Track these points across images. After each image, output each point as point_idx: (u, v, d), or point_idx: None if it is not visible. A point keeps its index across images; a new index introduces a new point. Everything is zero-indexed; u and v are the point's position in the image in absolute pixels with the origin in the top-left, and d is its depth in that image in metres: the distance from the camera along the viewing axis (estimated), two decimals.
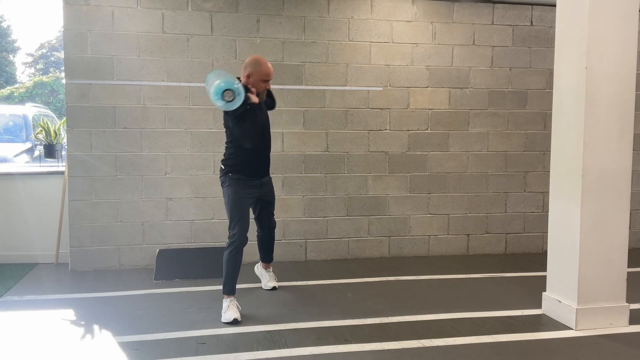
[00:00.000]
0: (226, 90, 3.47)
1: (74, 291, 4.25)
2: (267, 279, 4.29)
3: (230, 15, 4.93)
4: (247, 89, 3.59)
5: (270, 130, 3.97)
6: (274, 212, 4.16)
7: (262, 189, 3.91)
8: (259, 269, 4.37)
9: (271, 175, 4.10)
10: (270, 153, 3.98)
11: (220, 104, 3.50)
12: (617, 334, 3.40)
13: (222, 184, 3.82)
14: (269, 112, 3.96)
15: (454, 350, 3.16)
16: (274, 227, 4.20)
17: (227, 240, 3.69)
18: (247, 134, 3.63)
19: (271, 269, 4.34)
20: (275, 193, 4.20)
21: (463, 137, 5.39)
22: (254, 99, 3.60)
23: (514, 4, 5.38)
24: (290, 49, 5.04)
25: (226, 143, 3.83)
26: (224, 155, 3.84)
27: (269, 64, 3.75)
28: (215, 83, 3.51)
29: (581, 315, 3.45)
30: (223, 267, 3.69)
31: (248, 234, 3.74)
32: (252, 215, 4.01)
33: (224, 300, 3.65)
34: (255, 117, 3.63)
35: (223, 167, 3.81)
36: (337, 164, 5.18)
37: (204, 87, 4.86)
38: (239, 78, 3.66)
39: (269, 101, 3.99)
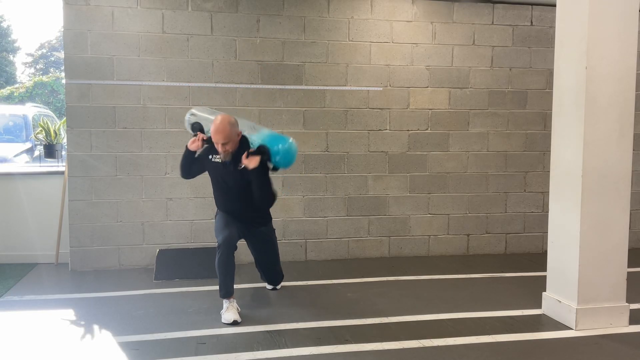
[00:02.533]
0: (191, 123, 3.96)
1: (74, 291, 4.25)
2: None
3: (230, 15, 4.93)
4: (197, 130, 3.86)
5: (246, 192, 3.72)
6: (278, 267, 4.11)
7: (249, 233, 3.91)
8: None
9: (271, 175, 4.07)
10: (253, 206, 3.78)
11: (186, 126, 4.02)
12: (617, 334, 3.40)
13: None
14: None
15: (454, 350, 3.16)
16: (277, 281, 4.18)
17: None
18: (189, 172, 3.92)
19: None
20: (276, 193, 4.08)
21: (463, 137, 5.39)
22: (190, 145, 3.77)
23: (514, 4, 5.38)
24: (290, 49, 5.04)
25: None
26: None
27: (220, 128, 3.53)
28: (193, 112, 3.99)
29: (581, 315, 3.45)
30: (216, 273, 3.71)
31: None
32: None
33: (223, 301, 3.65)
34: (211, 169, 3.82)
35: None
36: (337, 164, 5.18)
37: (205, 87, 4.89)
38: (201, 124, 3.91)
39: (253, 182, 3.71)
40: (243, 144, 3.71)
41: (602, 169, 3.42)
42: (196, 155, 3.83)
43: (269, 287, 4.26)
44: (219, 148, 3.62)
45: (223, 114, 3.72)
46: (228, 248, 3.63)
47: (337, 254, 5.25)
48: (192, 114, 4.00)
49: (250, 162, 3.59)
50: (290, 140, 3.76)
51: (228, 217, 3.83)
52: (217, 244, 3.71)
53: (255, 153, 3.65)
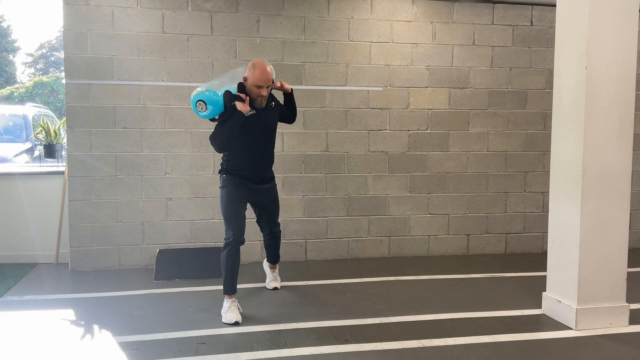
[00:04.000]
0: (198, 100, 3.57)
1: (74, 291, 4.25)
2: (270, 279, 4.30)
3: (230, 15, 4.93)
4: (234, 98, 3.58)
5: (273, 139, 3.86)
6: (278, 219, 4.09)
7: (260, 194, 3.85)
8: (265, 265, 4.38)
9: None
10: (273, 159, 3.91)
11: (199, 114, 3.62)
12: (617, 334, 3.40)
13: (219, 184, 3.83)
14: (285, 125, 3.95)
15: (454, 350, 3.16)
16: (278, 233, 4.15)
17: (223, 241, 3.69)
18: (216, 139, 3.62)
19: (276, 270, 4.34)
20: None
21: (463, 137, 5.39)
22: (241, 107, 3.55)
23: (514, 4, 5.38)
24: (290, 49, 5.04)
25: None
26: (222, 155, 3.84)
27: (267, 70, 3.61)
28: (194, 93, 3.63)
29: (581, 315, 3.45)
30: (221, 269, 3.69)
31: (249, 234, 3.74)
32: (251, 215, 4.01)
33: (225, 300, 3.65)
34: (246, 125, 3.61)
35: (220, 167, 3.83)
36: (337, 164, 5.19)
37: None
38: (240, 84, 3.67)
39: (285, 110, 3.95)
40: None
41: (602, 169, 3.42)
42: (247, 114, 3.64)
43: (271, 287, 4.26)
44: (263, 93, 3.63)
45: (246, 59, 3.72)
46: (237, 244, 3.63)
47: (337, 254, 5.25)
48: (201, 100, 3.64)
49: (285, 85, 3.81)
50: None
51: (241, 190, 3.72)
52: (226, 236, 3.64)
53: (235, 98, 3.64)
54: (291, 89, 3.95)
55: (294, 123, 4.16)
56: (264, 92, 3.63)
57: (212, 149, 4.90)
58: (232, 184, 3.73)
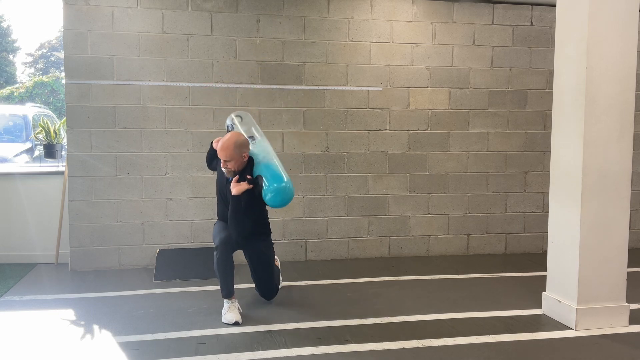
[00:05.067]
0: (227, 125, 4.02)
1: (74, 291, 4.25)
2: None
3: (230, 15, 4.93)
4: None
5: (245, 212, 3.66)
6: (270, 283, 3.90)
7: (245, 243, 3.82)
8: None
9: None
10: (247, 228, 3.70)
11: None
12: (617, 334, 3.40)
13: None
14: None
15: (454, 350, 3.16)
16: (270, 297, 3.96)
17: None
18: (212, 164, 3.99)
19: None
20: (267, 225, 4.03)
21: (463, 137, 5.39)
22: (214, 143, 3.81)
23: (514, 4, 5.38)
24: (290, 49, 5.03)
25: None
26: None
27: (225, 146, 3.58)
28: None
29: (581, 315, 3.45)
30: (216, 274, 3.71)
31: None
32: None
33: (224, 301, 3.65)
34: (220, 181, 3.86)
35: None
36: (337, 164, 5.18)
37: (205, 87, 4.89)
38: (251, 137, 3.89)
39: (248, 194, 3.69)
40: (248, 166, 3.72)
41: (602, 169, 3.42)
42: None
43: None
44: (222, 165, 3.66)
45: (236, 134, 3.71)
46: (225, 248, 3.63)
47: (337, 254, 5.25)
48: (232, 118, 4.02)
49: (235, 188, 3.61)
50: (285, 181, 3.63)
51: (226, 225, 3.82)
52: (214, 243, 3.72)
53: (251, 181, 3.65)
54: (239, 194, 3.62)
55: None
56: (223, 165, 3.66)
57: None
58: (222, 222, 3.91)
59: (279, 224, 5.07)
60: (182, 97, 4.88)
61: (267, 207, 3.89)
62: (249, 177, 3.65)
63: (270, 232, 4.00)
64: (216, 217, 4.05)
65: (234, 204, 3.63)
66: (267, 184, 3.62)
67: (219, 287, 3.67)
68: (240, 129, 3.92)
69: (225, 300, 3.65)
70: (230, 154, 3.59)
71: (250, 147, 3.79)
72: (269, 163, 3.75)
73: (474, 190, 5.45)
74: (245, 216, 3.66)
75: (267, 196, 3.62)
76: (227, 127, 4.02)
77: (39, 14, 47.59)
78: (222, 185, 3.82)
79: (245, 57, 4.95)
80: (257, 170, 3.71)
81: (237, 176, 3.66)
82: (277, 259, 4.26)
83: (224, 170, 3.70)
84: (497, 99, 5.43)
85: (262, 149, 3.86)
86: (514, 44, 5.42)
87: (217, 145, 3.68)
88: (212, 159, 3.99)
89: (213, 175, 4.92)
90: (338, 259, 5.24)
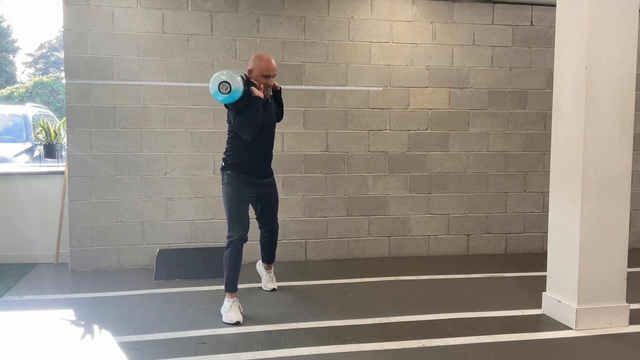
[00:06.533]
0: (222, 82, 3.53)
1: (74, 291, 4.25)
2: (266, 280, 4.29)
3: (230, 15, 4.93)
4: (250, 83, 3.65)
5: (275, 132, 3.95)
6: (277, 215, 4.13)
7: (263, 189, 3.86)
8: (260, 267, 4.37)
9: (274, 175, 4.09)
10: (273, 154, 3.96)
11: (219, 98, 3.55)
12: (617, 334, 3.40)
13: (222, 180, 3.80)
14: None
15: (454, 350, 3.16)
16: (277, 229, 4.17)
17: (226, 240, 3.69)
18: (246, 126, 3.59)
19: (272, 271, 4.33)
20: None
21: (463, 137, 5.39)
22: (257, 92, 3.62)
23: (514, 4, 5.38)
24: (290, 49, 5.04)
25: (227, 139, 3.82)
26: (225, 151, 3.83)
27: (272, 61, 3.73)
28: (215, 75, 3.59)
29: (581, 315, 3.45)
30: (224, 267, 3.69)
31: (249, 234, 3.74)
32: (253, 215, 4.00)
33: (226, 299, 3.65)
34: (257, 112, 3.64)
35: (223, 163, 3.81)
36: (337, 164, 5.19)
37: (205, 87, 4.87)
38: (246, 75, 3.70)
39: (276, 107, 3.98)
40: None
41: (602, 169, 3.42)
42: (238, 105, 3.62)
43: (269, 288, 4.26)
44: (270, 82, 3.74)
45: (246, 58, 3.73)
46: (241, 242, 3.64)
47: (337, 254, 5.25)
48: (225, 82, 3.57)
49: (257, 90, 3.66)
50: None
51: (245, 188, 3.72)
52: (229, 235, 3.64)
53: (250, 84, 3.67)
54: (280, 87, 3.99)
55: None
56: (271, 82, 3.76)
57: (212, 148, 4.92)
58: (238, 181, 3.71)
59: (279, 223, 5.06)
60: (182, 97, 4.88)
61: None
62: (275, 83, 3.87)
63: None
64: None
65: (280, 95, 3.99)
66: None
67: (219, 287, 3.67)
68: (233, 74, 3.70)
69: (227, 297, 3.64)
70: (276, 65, 3.77)
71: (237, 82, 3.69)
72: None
73: (474, 190, 5.45)
74: (282, 105, 4.02)
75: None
76: (240, 77, 3.62)
77: (39, 14, 47.62)
78: (263, 115, 3.68)
79: (245, 57, 4.94)
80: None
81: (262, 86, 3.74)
82: None
83: (265, 91, 3.72)
84: (497, 99, 5.43)
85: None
86: (514, 44, 5.42)
87: (264, 66, 3.66)
88: (257, 125, 3.63)
89: (213, 175, 4.93)
90: (338, 259, 5.24)
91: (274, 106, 3.93)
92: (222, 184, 3.78)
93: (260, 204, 3.98)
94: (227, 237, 3.67)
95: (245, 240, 3.68)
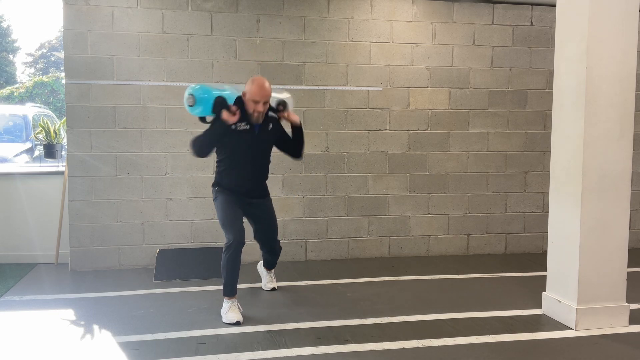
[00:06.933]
0: (190, 94, 3.63)
1: (74, 291, 4.25)
2: (266, 280, 4.29)
3: (230, 15, 4.93)
4: (223, 106, 3.62)
5: (266, 158, 3.85)
6: (276, 236, 4.05)
7: (252, 207, 3.85)
8: (260, 267, 4.37)
9: (271, 175, 4.08)
10: (263, 178, 3.88)
11: (187, 108, 3.70)
12: (617, 334, 3.40)
13: (213, 198, 3.88)
14: (285, 125, 3.88)
15: (454, 350, 3.16)
16: (276, 251, 4.12)
17: (224, 245, 3.67)
18: (196, 142, 3.65)
19: (272, 271, 4.34)
20: (276, 193, 4.12)
21: (463, 137, 5.39)
22: (226, 116, 3.57)
23: (514, 4, 5.38)
24: (290, 49, 5.04)
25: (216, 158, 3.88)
26: (215, 168, 3.90)
27: (264, 86, 3.59)
28: (190, 85, 3.70)
29: (581, 315, 3.45)
30: (221, 271, 3.67)
31: (251, 233, 3.75)
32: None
33: (224, 301, 3.65)
34: (236, 139, 3.67)
35: (213, 181, 3.90)
36: (337, 164, 5.19)
37: None
38: (239, 97, 3.72)
39: (288, 141, 3.86)
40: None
41: (602, 169, 3.42)
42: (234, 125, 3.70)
43: (269, 287, 4.26)
44: (258, 108, 3.61)
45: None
46: (239, 245, 3.61)
47: (337, 254, 5.25)
48: (191, 94, 3.69)
49: (292, 116, 3.75)
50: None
51: (233, 197, 3.74)
52: (226, 240, 3.62)
53: (277, 110, 3.73)
54: (300, 123, 3.83)
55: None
56: (260, 108, 3.61)
57: None
58: (224, 193, 3.77)
59: (279, 224, 5.06)
60: (182, 97, 4.86)
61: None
62: (280, 106, 3.78)
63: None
64: (215, 216, 4.03)
65: (299, 131, 3.82)
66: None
67: (219, 287, 3.66)
68: (211, 88, 3.77)
69: (225, 299, 3.64)
70: (268, 92, 3.62)
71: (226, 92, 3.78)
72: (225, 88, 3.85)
73: (474, 190, 5.45)
74: (300, 143, 3.86)
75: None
76: (214, 100, 3.66)
77: (39, 14, 47.62)
78: (246, 139, 3.67)
79: (245, 57, 4.95)
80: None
81: (287, 112, 3.74)
82: None
83: (254, 116, 3.62)
84: (497, 99, 5.43)
85: (228, 88, 3.88)
86: (514, 44, 5.42)
87: (254, 90, 3.57)
88: (221, 138, 3.66)
89: (213, 174, 4.91)
90: (338, 259, 5.24)
91: (274, 135, 3.82)
92: (213, 200, 3.86)
93: (253, 222, 3.99)
94: (225, 243, 3.67)
95: (242, 243, 3.64)
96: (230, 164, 3.74)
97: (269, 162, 3.90)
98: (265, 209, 3.94)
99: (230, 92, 3.78)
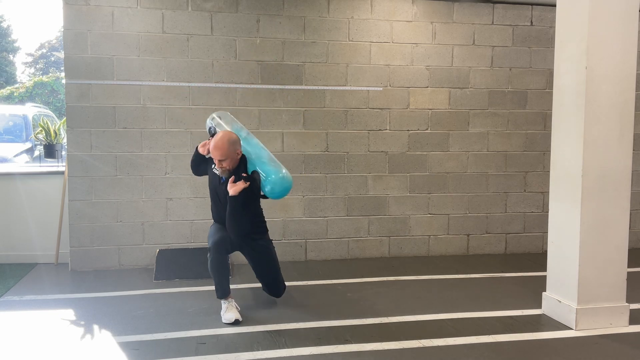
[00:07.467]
0: (211, 126, 3.92)
1: (74, 291, 4.25)
2: None
3: (230, 15, 4.93)
4: (211, 134, 3.85)
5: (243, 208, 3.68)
6: (278, 276, 3.91)
7: (245, 244, 3.81)
8: None
9: None
10: (244, 229, 3.71)
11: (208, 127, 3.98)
12: (617, 334, 3.40)
13: None
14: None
15: (454, 350, 3.16)
16: (276, 292, 3.95)
17: None
18: (198, 167, 3.97)
19: None
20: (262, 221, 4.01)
21: (463, 137, 5.39)
22: (200, 148, 3.84)
23: (514, 4, 5.38)
24: (290, 49, 5.04)
25: None
26: None
27: (218, 145, 3.54)
28: (224, 115, 4.00)
29: (581, 315, 3.45)
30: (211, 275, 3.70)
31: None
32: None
33: (221, 302, 3.66)
34: (212, 179, 3.83)
35: None
36: (337, 164, 5.19)
37: (205, 87, 4.89)
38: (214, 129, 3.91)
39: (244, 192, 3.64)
40: (242, 164, 3.69)
41: (602, 169, 3.42)
42: (207, 156, 3.87)
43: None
44: (217, 164, 3.65)
45: (228, 132, 3.67)
46: (218, 250, 3.60)
47: (337, 254, 5.25)
48: (213, 119, 3.97)
49: (233, 188, 3.58)
50: (284, 172, 3.67)
51: (222, 227, 3.81)
52: (208, 247, 3.70)
53: (247, 178, 3.63)
54: (237, 194, 3.59)
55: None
56: (218, 165, 3.64)
57: None
58: (216, 223, 3.91)
59: (279, 224, 5.08)
60: (182, 97, 4.88)
61: (264, 205, 3.92)
62: (244, 174, 3.64)
63: (267, 230, 3.98)
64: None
65: (232, 204, 3.60)
66: (264, 177, 3.64)
67: (215, 289, 3.67)
68: (226, 127, 3.87)
69: (222, 300, 3.65)
70: (225, 152, 3.57)
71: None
72: (261, 156, 3.76)
73: (474, 190, 5.45)
74: (244, 216, 3.65)
75: (267, 188, 3.63)
76: (209, 128, 3.92)
77: (39, 14, 47.63)
78: (216, 186, 3.79)
79: (245, 57, 4.95)
80: (252, 166, 3.72)
81: (233, 176, 3.63)
82: None
83: (217, 170, 3.69)
84: (497, 99, 5.43)
85: (252, 143, 3.84)
86: (514, 44, 5.42)
87: (209, 146, 3.67)
88: (199, 163, 3.92)
89: None
90: (338, 259, 5.24)
91: (245, 192, 3.64)
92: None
93: (246, 257, 3.97)
94: (208, 249, 3.73)
95: (223, 247, 3.61)
96: (211, 200, 3.92)
97: (250, 214, 3.71)
98: (258, 250, 3.86)
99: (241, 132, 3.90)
